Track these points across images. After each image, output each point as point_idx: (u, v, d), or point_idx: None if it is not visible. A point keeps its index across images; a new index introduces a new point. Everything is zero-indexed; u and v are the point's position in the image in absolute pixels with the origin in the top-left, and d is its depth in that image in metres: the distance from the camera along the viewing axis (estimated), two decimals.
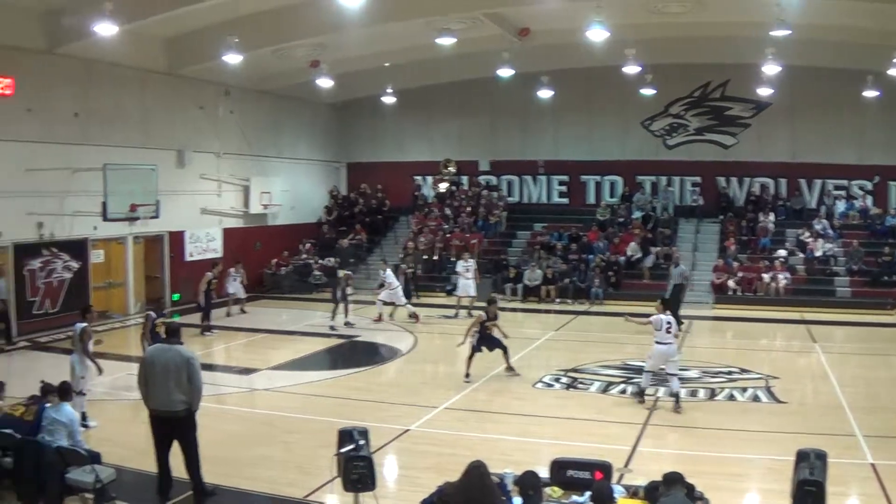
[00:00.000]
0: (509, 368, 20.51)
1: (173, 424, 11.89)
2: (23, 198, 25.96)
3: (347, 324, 28.30)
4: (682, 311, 27.35)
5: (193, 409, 12.01)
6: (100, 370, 16.46)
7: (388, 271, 29.62)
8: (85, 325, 16.42)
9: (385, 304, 29.29)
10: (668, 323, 17.72)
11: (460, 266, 31.00)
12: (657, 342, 17.66)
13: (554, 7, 26.09)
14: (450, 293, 34.34)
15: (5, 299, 25.05)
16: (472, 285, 30.27)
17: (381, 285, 29.68)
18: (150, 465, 12.22)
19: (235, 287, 31.08)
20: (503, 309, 21.36)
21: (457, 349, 21.14)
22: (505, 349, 20.46)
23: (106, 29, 22.45)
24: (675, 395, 17.48)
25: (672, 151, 38.81)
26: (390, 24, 28.11)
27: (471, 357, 20.22)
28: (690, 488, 8.96)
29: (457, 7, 26.49)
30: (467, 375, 20.03)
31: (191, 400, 11.91)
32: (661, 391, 18.34)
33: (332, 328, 27.87)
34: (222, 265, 30.22)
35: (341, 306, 28.57)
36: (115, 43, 24.96)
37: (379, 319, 29.08)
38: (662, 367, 17.86)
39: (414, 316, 29.16)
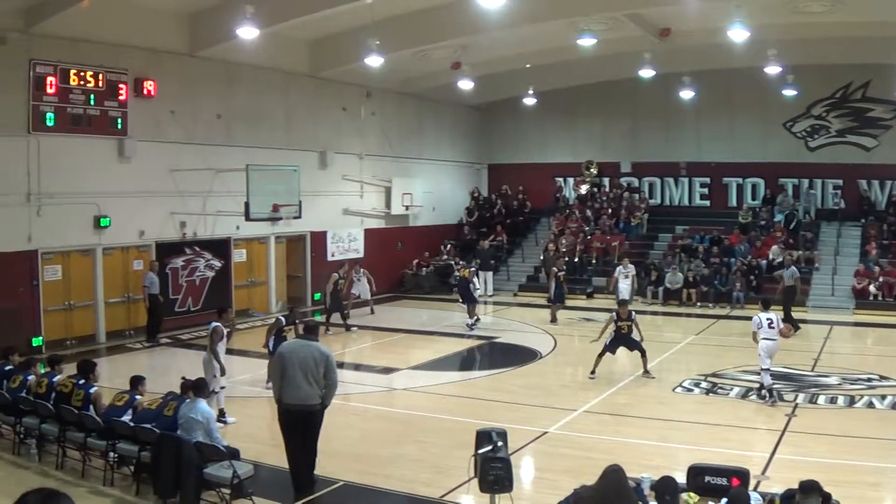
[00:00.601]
0: (645, 372, 20.44)
1: (304, 418, 12.25)
2: (166, 198, 26.95)
3: (474, 323, 28.32)
4: (821, 317, 27.05)
5: (326, 404, 12.39)
6: (223, 371, 16.44)
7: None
8: (217, 324, 16.72)
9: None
10: (769, 319, 18.22)
11: (619, 271, 30.58)
12: (763, 338, 18.01)
13: (695, 7, 25.92)
14: (590, 296, 34.33)
15: (156, 293, 25.84)
16: (627, 290, 29.78)
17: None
18: (287, 461, 12.59)
19: (360, 288, 30.97)
20: (643, 312, 21.26)
21: (596, 352, 21.11)
22: (643, 352, 20.42)
23: (247, 32, 23.22)
24: (770, 391, 17.93)
25: (814, 154, 37.93)
26: (531, 26, 28.22)
27: (600, 355, 20.35)
28: (827, 497, 8.90)
29: (598, 7, 26.47)
30: (592, 373, 20.28)
31: (325, 395, 12.30)
32: (801, 397, 18.22)
33: (469, 327, 28.04)
34: (348, 266, 30.43)
35: (478, 306, 28.74)
36: (257, 45, 25.78)
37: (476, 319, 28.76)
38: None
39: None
